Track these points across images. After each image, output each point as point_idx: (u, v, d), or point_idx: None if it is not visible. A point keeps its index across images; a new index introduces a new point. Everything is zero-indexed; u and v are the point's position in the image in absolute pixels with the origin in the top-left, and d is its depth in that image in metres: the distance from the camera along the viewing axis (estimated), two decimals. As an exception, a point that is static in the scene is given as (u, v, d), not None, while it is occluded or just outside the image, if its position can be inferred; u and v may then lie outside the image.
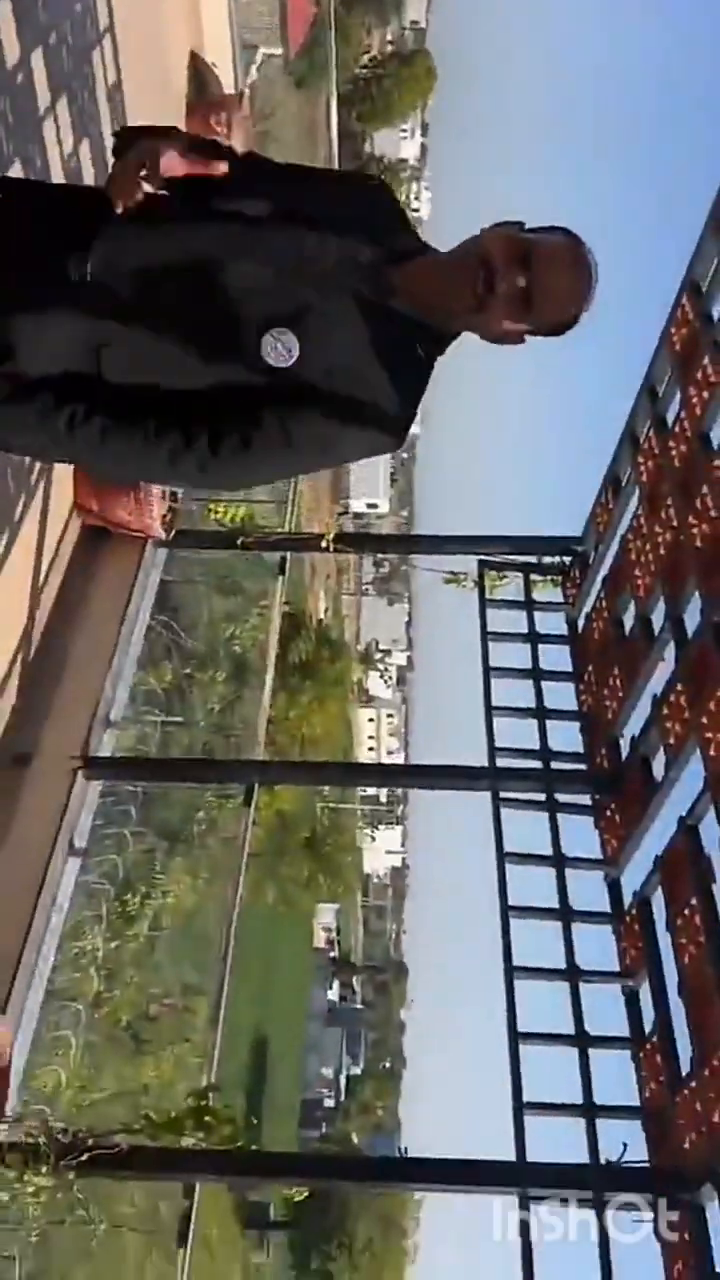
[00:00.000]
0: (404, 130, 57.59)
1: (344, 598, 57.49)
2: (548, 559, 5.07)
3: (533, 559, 5.07)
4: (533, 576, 5.07)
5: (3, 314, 1.49)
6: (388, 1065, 59.72)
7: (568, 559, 5.01)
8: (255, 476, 1.65)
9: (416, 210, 79.66)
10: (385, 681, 66.43)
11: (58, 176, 4.33)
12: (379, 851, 64.27)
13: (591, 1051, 3.51)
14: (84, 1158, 2.94)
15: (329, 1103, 39.55)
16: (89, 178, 4.78)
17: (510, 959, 3.67)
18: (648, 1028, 3.51)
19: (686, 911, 3.34)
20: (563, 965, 3.71)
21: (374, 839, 60.70)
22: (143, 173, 1.44)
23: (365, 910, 62.32)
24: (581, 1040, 3.52)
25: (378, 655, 62.37)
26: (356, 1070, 44.29)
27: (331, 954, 45.69)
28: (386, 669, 65.41)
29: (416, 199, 76.26)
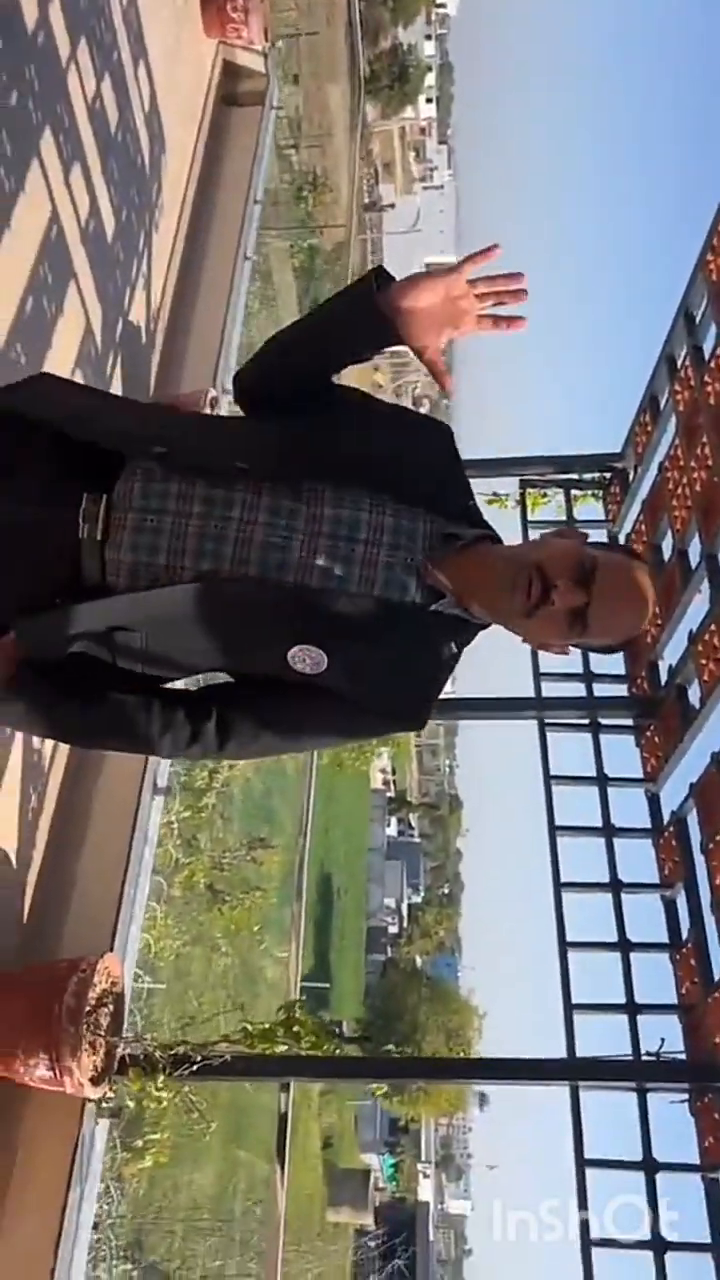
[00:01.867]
0: None
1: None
2: (588, 475, 5.17)
3: (573, 476, 5.17)
4: (574, 492, 5.18)
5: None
6: (446, 891, 63.07)
7: (608, 474, 5.10)
8: (257, 758, 1.66)
9: (443, 6, 73.53)
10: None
11: (85, 129, 4.30)
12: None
13: (633, 956, 3.92)
14: (194, 1067, 3.44)
15: (393, 929, 42.18)
16: (111, 113, 4.72)
17: (558, 875, 4.04)
18: (684, 934, 3.90)
19: (719, 838, 3.66)
20: (607, 878, 4.08)
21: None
22: None
23: (419, 749, 64.23)
24: (624, 946, 3.91)
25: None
26: (417, 899, 46.96)
27: (388, 794, 47.63)
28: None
29: (442, -7, 70.36)
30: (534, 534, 5.15)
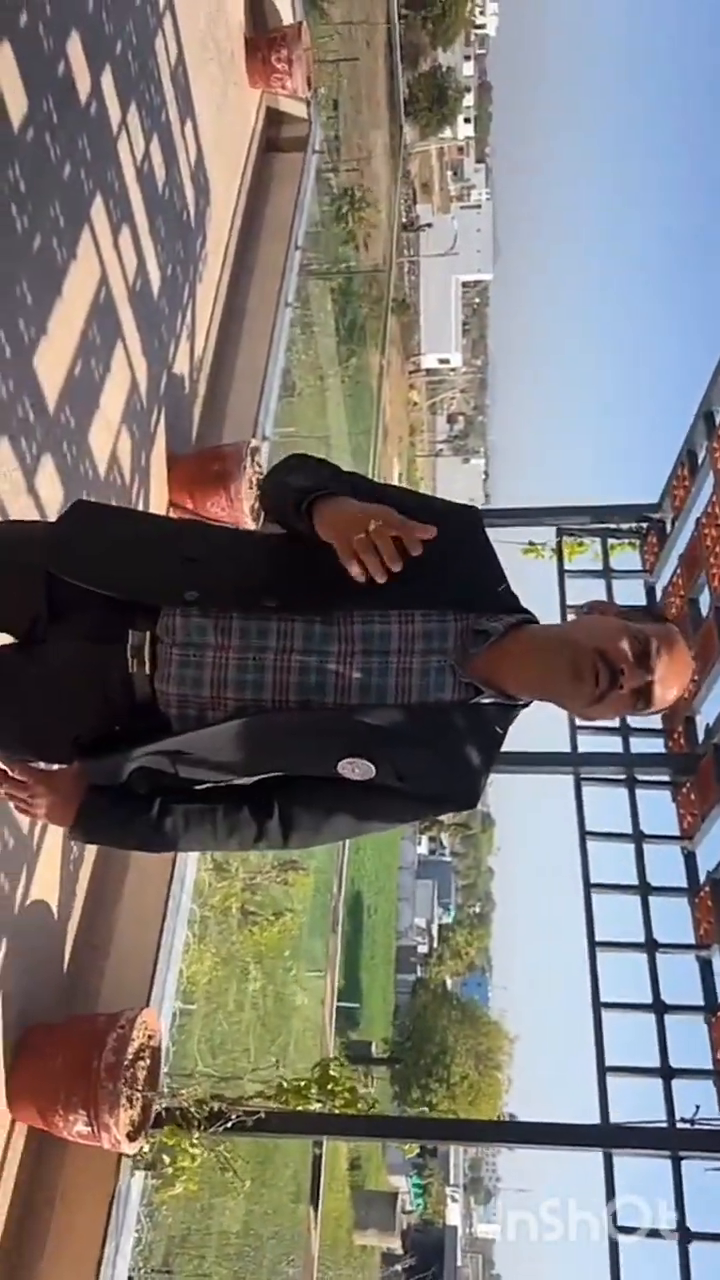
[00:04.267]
0: (465, -58, 52.66)
1: (419, 460, 56.85)
2: (625, 525, 5.18)
3: (610, 525, 5.19)
4: (610, 541, 5.20)
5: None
6: (478, 910, 62.70)
7: (645, 525, 5.11)
8: (321, 845, 1.73)
9: (483, 27, 73.92)
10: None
11: (134, 192, 4.40)
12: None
13: (668, 1018, 3.91)
14: (227, 1124, 3.48)
15: (423, 949, 41.97)
16: (159, 172, 4.82)
17: (593, 935, 4.04)
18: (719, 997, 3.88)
19: (756, 904, 3.65)
20: (642, 938, 4.07)
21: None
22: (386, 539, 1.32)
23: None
24: (659, 1008, 3.90)
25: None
26: (448, 918, 46.71)
27: (420, 812, 47.47)
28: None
29: (481, 14, 70.77)
30: (570, 582, 5.17)
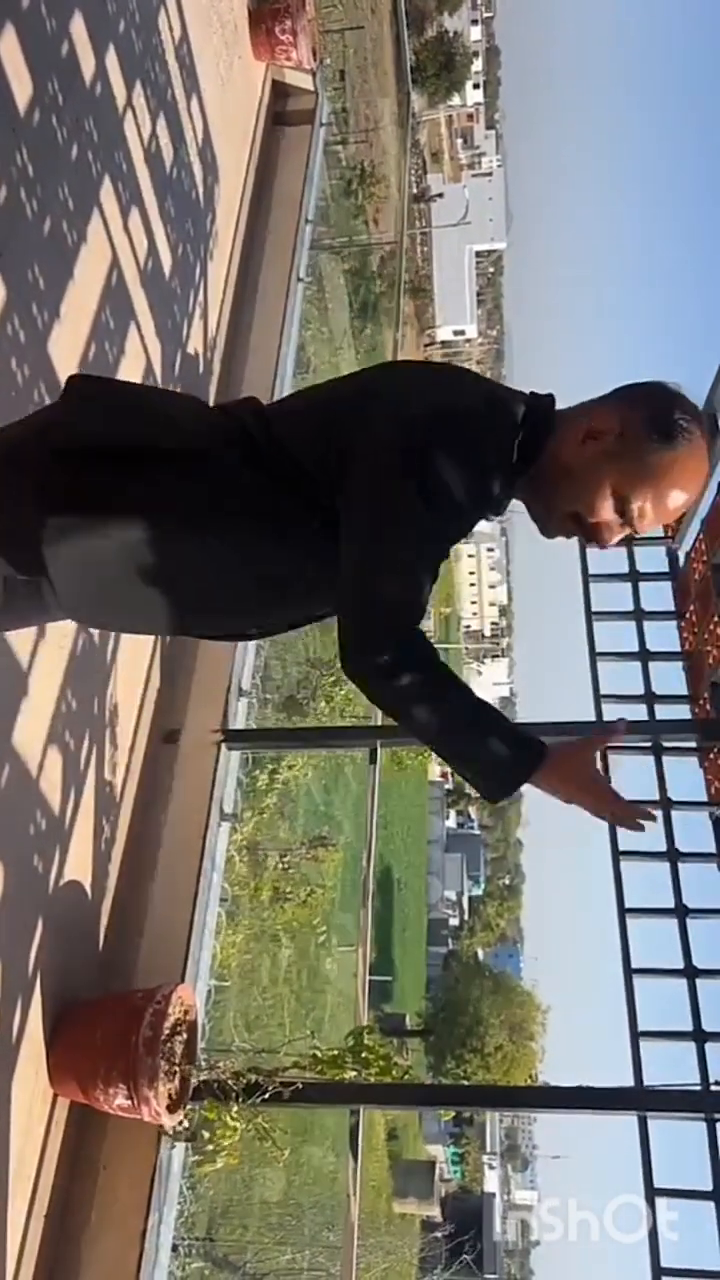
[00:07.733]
0: None
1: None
2: (646, 492, 5.14)
3: (631, 492, 5.14)
4: (631, 509, 5.15)
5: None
6: (507, 882, 62.89)
7: (666, 491, 5.07)
8: None
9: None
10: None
11: (142, 172, 4.39)
12: (486, 684, 65.64)
13: (699, 981, 3.91)
14: (265, 1095, 3.53)
15: (454, 921, 42.21)
16: (166, 151, 4.80)
17: (622, 902, 4.05)
18: (751, 960, 3.88)
19: (786, 867, 3.64)
20: (672, 904, 4.07)
21: (480, 673, 61.84)
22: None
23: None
24: (691, 972, 3.91)
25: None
26: (478, 891, 46.89)
27: (447, 785, 47.61)
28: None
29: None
30: (591, 554, 5.14)
